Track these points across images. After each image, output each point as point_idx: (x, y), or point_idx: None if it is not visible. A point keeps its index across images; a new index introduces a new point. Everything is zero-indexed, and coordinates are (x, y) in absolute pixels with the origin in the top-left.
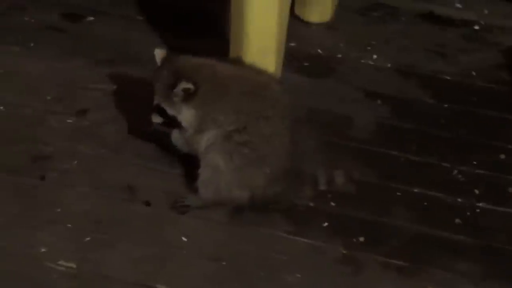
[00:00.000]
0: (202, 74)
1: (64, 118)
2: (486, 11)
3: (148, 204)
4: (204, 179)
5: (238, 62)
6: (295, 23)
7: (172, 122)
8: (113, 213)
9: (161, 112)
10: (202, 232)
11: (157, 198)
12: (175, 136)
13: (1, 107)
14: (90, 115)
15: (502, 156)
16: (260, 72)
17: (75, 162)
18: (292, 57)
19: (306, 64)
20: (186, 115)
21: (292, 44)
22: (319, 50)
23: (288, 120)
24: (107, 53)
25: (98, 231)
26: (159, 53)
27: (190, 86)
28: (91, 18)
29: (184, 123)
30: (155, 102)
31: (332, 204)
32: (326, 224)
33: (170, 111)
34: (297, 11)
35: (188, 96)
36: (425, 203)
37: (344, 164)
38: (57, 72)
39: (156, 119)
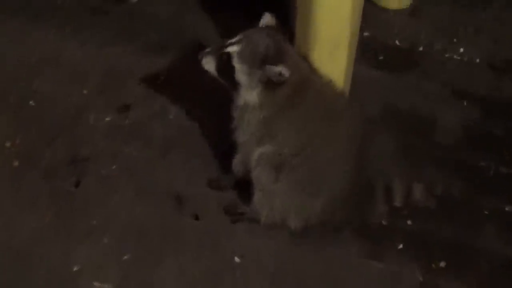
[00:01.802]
0: (295, 76)
1: (104, 113)
2: None
3: (196, 218)
4: (257, 201)
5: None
6: (370, 9)
7: (224, 77)
8: (158, 225)
9: (222, 62)
10: (259, 249)
11: (208, 209)
12: (236, 162)
13: (32, 102)
14: (135, 110)
15: None
16: (329, 83)
17: (116, 165)
18: (367, 48)
19: (381, 57)
20: (253, 96)
21: (366, 34)
22: (397, 42)
23: (358, 137)
24: (156, 38)
25: (141, 246)
26: (267, 17)
27: (287, 75)
28: None
29: (241, 99)
30: (228, 50)
31: (409, 222)
32: (401, 246)
33: (240, 77)
34: None
35: (271, 83)
36: None
37: (424, 175)
38: (97, 59)
39: (208, 64)
